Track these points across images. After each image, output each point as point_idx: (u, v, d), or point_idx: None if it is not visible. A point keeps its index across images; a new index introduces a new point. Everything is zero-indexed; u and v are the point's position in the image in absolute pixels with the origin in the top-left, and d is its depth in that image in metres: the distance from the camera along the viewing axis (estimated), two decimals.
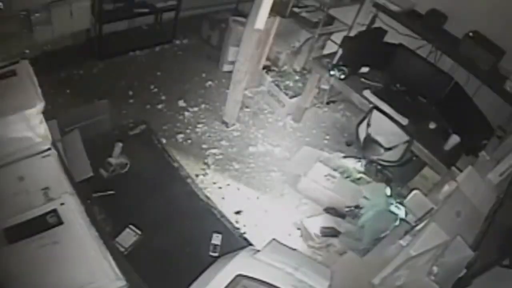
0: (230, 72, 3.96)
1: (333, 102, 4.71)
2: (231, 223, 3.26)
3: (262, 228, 3.29)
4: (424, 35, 3.94)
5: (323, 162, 3.78)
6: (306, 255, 3.03)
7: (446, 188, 2.83)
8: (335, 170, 3.73)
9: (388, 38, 4.00)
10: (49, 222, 1.77)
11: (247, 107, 4.37)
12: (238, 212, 3.37)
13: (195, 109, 4.17)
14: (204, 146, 3.83)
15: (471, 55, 3.54)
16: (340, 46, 3.78)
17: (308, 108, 4.41)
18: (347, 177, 3.75)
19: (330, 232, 3.29)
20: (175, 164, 3.55)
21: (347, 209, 3.48)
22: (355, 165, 3.94)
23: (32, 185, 1.91)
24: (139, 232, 2.89)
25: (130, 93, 4.07)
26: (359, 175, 3.82)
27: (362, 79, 3.88)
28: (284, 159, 3.95)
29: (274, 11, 3.75)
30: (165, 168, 3.51)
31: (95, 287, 1.63)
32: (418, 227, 2.62)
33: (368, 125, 3.60)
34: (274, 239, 2.66)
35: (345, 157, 4.01)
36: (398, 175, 3.80)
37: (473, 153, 3.16)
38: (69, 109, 3.47)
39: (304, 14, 4.34)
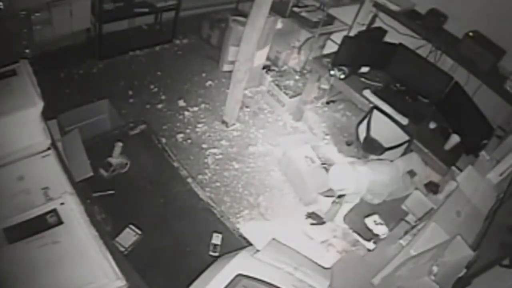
0: (230, 72, 3.96)
1: (333, 102, 4.71)
2: (231, 223, 3.25)
3: (262, 227, 3.29)
4: (424, 35, 3.95)
5: (314, 148, 3.75)
6: (306, 255, 3.03)
7: (446, 188, 2.84)
8: (320, 159, 3.65)
9: (388, 38, 4.01)
10: (49, 222, 1.76)
11: (247, 106, 4.37)
12: (238, 212, 3.37)
13: (195, 109, 4.16)
14: (204, 146, 3.83)
15: (471, 55, 3.54)
16: (340, 46, 3.78)
17: (308, 108, 4.41)
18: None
19: (316, 220, 3.31)
20: (175, 164, 3.54)
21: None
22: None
23: (32, 185, 1.90)
24: (139, 232, 2.88)
25: (130, 93, 4.07)
26: None
27: (362, 79, 3.88)
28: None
29: (274, 11, 3.76)
30: (165, 168, 3.49)
31: (95, 287, 1.62)
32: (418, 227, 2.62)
33: (368, 125, 3.60)
34: (274, 238, 2.66)
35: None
36: None
37: (473, 153, 3.17)
38: (69, 109, 3.46)
39: (304, 14, 4.34)
